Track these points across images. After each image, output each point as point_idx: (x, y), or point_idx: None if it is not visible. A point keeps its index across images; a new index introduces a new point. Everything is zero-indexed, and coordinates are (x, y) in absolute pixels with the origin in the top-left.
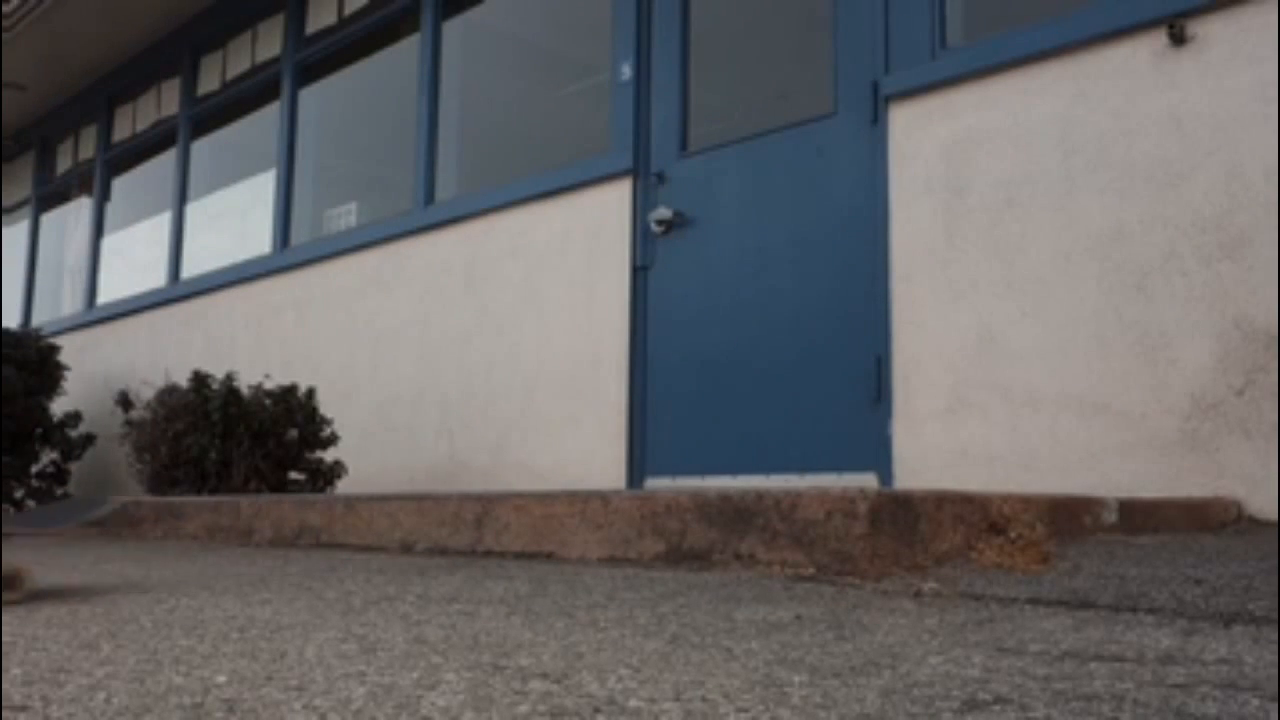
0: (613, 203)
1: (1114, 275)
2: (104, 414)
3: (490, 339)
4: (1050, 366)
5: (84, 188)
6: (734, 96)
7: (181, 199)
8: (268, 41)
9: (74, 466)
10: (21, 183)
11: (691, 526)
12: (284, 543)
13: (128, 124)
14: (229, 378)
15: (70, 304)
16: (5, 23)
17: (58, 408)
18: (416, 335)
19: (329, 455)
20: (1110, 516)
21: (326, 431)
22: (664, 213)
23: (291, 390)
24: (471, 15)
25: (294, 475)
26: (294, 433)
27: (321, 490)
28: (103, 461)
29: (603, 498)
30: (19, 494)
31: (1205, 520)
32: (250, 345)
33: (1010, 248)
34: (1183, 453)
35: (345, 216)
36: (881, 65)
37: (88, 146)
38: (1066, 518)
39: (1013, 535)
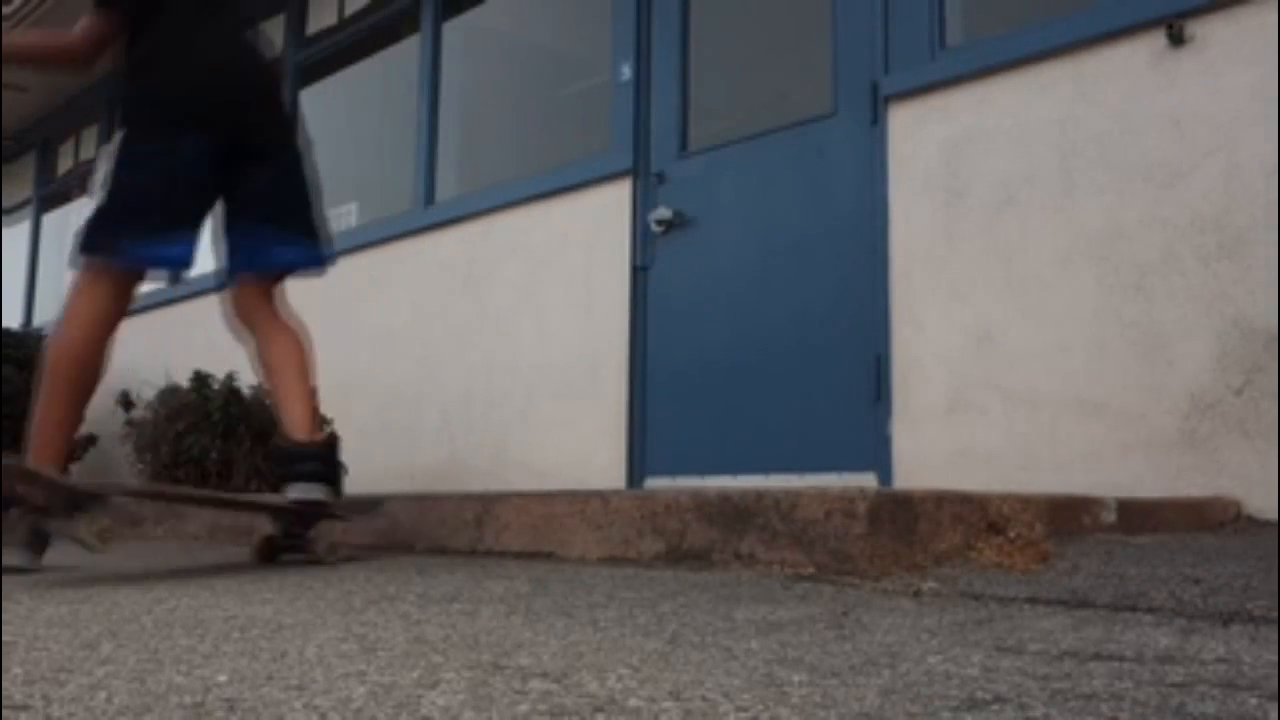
0: (613, 203)
1: (1113, 275)
2: (105, 414)
3: (490, 339)
4: (1050, 366)
5: (85, 188)
6: (734, 96)
7: None
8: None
9: (74, 467)
10: (22, 183)
11: (691, 526)
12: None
13: None
14: (230, 378)
15: None
16: (5, 23)
17: None
18: (416, 335)
19: None
20: (1109, 516)
21: (326, 431)
22: (664, 213)
23: None
24: (471, 15)
25: None
26: None
27: None
28: (103, 462)
29: (603, 498)
30: None
31: (1204, 520)
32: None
33: (1009, 248)
34: (1182, 452)
35: (345, 216)
36: (881, 65)
37: (89, 147)
38: (1065, 517)
39: (1012, 535)
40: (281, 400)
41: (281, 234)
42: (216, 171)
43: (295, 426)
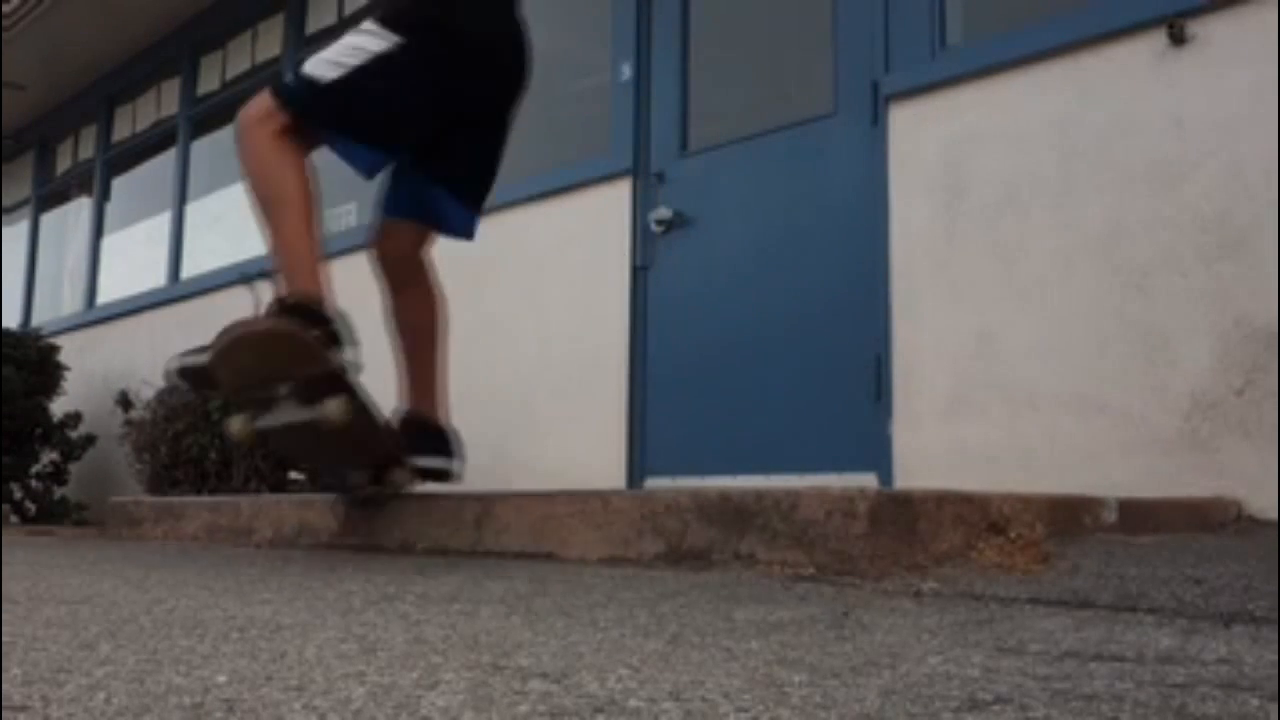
0: (613, 203)
1: (1114, 275)
2: (104, 414)
3: (490, 339)
4: (1050, 366)
5: (84, 188)
6: (734, 96)
7: (181, 199)
8: (268, 41)
9: (74, 467)
10: (21, 183)
11: (691, 526)
12: (284, 543)
13: (128, 124)
14: None
15: (70, 304)
16: (5, 23)
17: (58, 408)
18: None
19: None
20: (1110, 516)
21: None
22: (664, 213)
23: None
24: None
25: (294, 475)
26: None
27: (321, 490)
28: (103, 462)
29: (603, 498)
30: (19, 494)
31: (1205, 520)
32: None
33: (1010, 248)
34: (1183, 452)
35: (345, 216)
36: (881, 65)
37: (88, 146)
38: (1066, 517)
39: (1012, 535)
40: (416, 369)
41: (455, 198)
42: (449, 122)
43: (426, 404)
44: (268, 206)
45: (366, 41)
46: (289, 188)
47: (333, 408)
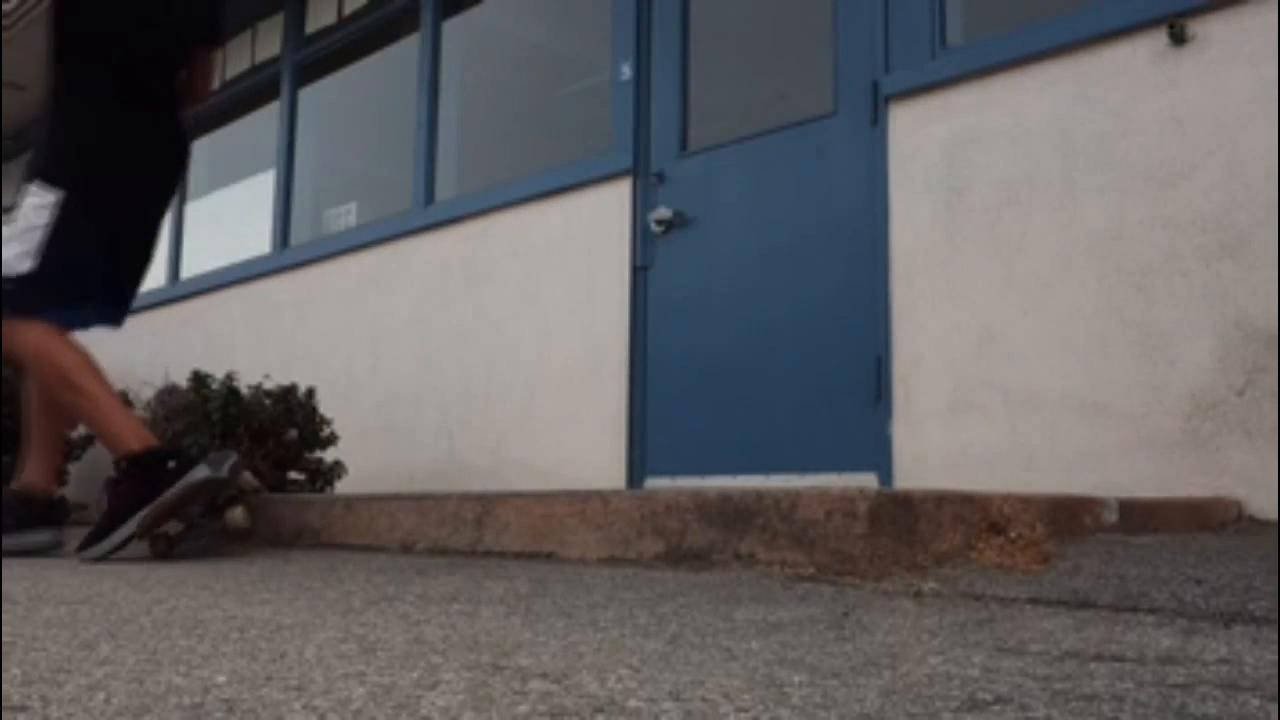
0: (613, 203)
1: (1114, 275)
2: None
3: (490, 339)
4: (1050, 366)
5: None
6: (734, 96)
7: (181, 198)
8: (267, 41)
9: (74, 467)
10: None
11: (691, 526)
12: (284, 543)
13: None
14: (229, 378)
15: None
16: (5, 22)
17: None
18: (416, 335)
19: (329, 455)
20: (1110, 516)
21: (326, 431)
22: (664, 213)
23: (291, 390)
24: (471, 15)
25: (294, 475)
26: (294, 433)
27: (321, 490)
28: (103, 461)
29: (603, 498)
30: None
31: (1205, 520)
32: (250, 345)
33: (1010, 248)
34: (1183, 453)
35: (345, 216)
36: (881, 65)
37: None
38: (1066, 517)
39: (1013, 535)
40: (46, 437)
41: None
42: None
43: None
44: (70, 382)
45: (38, 215)
46: (76, 358)
47: (235, 516)
